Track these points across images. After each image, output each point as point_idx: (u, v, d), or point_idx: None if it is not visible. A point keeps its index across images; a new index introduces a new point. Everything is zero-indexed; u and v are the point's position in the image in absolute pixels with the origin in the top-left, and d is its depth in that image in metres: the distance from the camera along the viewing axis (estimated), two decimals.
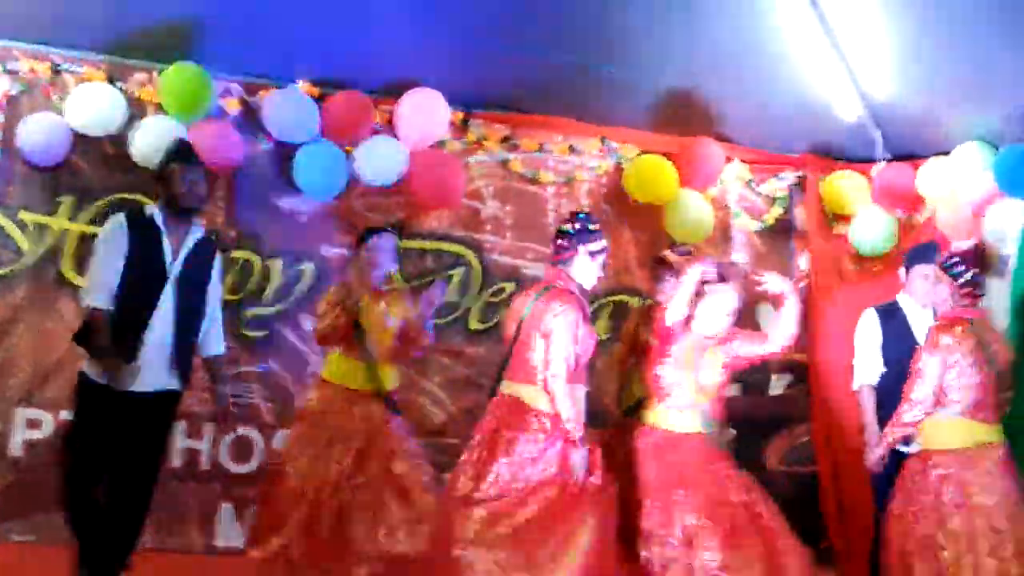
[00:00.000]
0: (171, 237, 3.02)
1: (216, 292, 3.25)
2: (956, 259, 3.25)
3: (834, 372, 4.53)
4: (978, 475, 2.93)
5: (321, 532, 3.22)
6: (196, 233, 3.13)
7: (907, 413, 3.03)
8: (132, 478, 3.02)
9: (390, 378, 3.50)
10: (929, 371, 2.98)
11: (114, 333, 2.92)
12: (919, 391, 3.00)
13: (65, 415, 4.05)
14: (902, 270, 3.70)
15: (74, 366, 4.00)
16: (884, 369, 3.52)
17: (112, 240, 2.99)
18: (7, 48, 4.05)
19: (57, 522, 3.98)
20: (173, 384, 3.07)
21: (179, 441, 4.06)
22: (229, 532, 4.10)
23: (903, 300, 3.63)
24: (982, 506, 2.87)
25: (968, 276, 3.14)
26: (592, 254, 2.95)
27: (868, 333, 3.63)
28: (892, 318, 3.57)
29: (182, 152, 3.14)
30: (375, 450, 3.35)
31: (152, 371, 2.97)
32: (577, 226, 2.96)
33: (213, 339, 3.26)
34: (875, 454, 3.17)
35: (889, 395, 3.30)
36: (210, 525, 4.10)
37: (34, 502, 3.99)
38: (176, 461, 4.06)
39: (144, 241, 2.98)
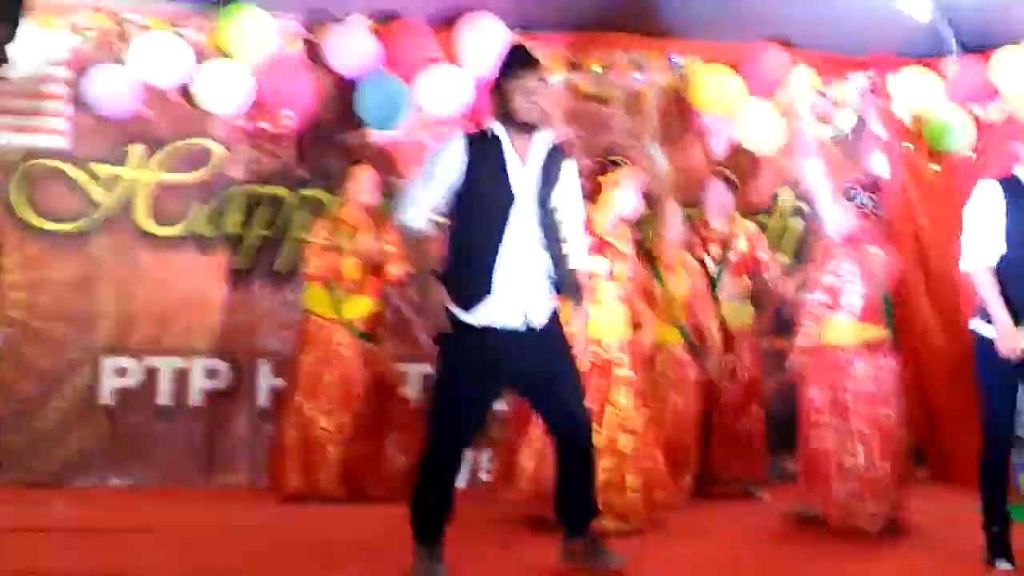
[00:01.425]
0: (517, 152, 2.60)
1: (575, 203, 2.78)
2: None
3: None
4: None
5: None
6: (543, 145, 2.64)
7: None
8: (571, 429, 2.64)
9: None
10: None
11: (466, 262, 2.57)
12: None
13: (156, 362, 4.11)
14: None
15: (158, 312, 4.08)
16: (1004, 249, 2.84)
17: (443, 155, 2.60)
18: (71, 5, 4.08)
19: (150, 465, 4.06)
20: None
21: None
22: None
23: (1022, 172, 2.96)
24: None
25: None
26: None
27: (988, 207, 2.92)
28: (1015, 191, 2.89)
29: (517, 61, 2.70)
30: None
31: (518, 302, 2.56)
32: None
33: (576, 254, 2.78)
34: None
35: (1014, 279, 2.78)
36: None
37: (127, 448, 4.05)
38: None
39: (486, 158, 2.57)
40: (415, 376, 4.25)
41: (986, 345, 2.81)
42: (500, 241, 2.51)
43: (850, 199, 3.47)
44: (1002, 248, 2.80)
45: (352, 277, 3.88)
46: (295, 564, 2.77)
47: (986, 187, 2.92)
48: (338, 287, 3.86)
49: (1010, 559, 2.73)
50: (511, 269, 2.53)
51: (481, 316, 2.50)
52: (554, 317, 2.61)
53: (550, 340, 2.61)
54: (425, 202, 2.59)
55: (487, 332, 2.52)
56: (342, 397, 3.80)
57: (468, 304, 2.50)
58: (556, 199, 2.63)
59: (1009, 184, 2.89)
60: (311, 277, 3.90)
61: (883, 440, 3.28)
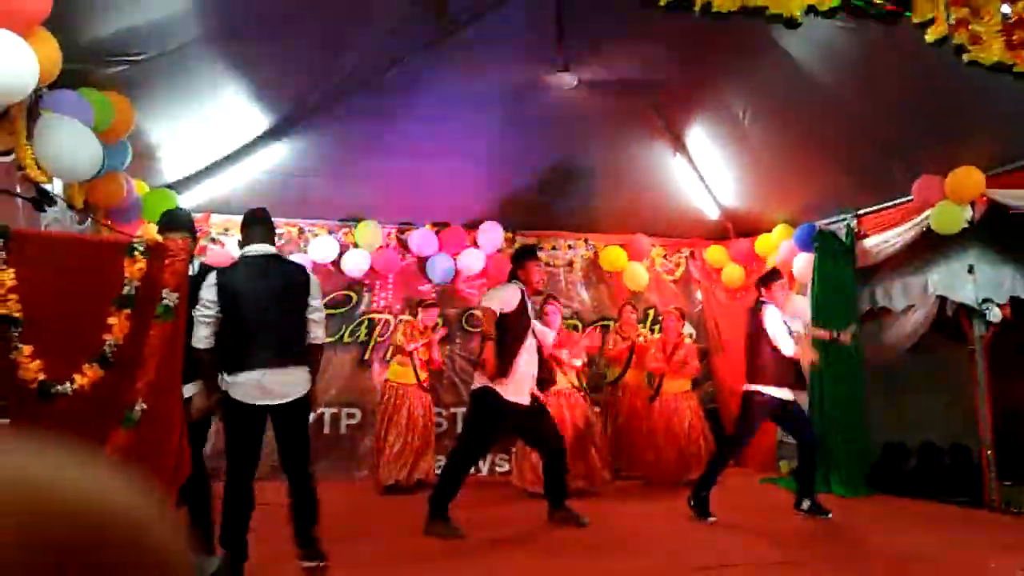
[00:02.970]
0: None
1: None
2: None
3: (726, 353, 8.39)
4: None
5: None
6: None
7: None
8: None
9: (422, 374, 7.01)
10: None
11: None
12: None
13: (322, 410, 7.65)
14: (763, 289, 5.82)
15: (323, 382, 7.60)
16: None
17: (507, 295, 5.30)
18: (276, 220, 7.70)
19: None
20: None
21: None
22: None
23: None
24: None
25: None
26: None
27: (777, 320, 5.47)
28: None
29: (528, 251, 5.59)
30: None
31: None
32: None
33: None
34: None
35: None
36: None
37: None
38: None
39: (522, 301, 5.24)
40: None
41: (750, 400, 5.54)
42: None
43: (682, 317, 7.36)
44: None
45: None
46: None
47: (772, 310, 5.53)
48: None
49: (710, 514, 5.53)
50: (523, 367, 5.15)
51: (508, 393, 5.07)
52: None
53: (535, 407, 5.26)
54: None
55: (511, 403, 5.08)
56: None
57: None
58: None
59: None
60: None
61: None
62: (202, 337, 3.62)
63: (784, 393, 5.47)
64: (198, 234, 5.08)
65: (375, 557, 4.36)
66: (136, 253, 2.93)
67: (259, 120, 6.41)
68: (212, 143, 6.50)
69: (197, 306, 3.60)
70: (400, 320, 7.82)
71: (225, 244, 7.36)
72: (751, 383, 5.56)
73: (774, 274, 5.98)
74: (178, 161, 6.52)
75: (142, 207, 5.92)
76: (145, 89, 5.27)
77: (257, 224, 4.06)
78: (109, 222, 5.30)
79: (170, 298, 2.93)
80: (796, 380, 5.59)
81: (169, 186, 6.59)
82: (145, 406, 2.79)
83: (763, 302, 5.66)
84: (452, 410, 7.79)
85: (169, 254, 2.99)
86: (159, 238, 3.56)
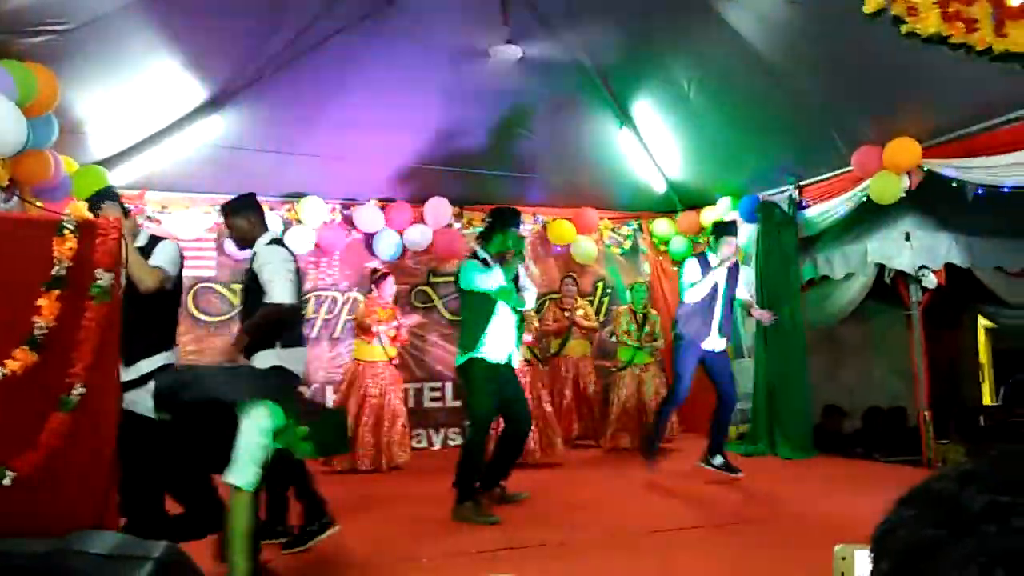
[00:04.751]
0: None
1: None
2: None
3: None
4: None
5: None
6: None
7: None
8: None
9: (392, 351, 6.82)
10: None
11: None
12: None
13: None
14: (712, 239, 5.83)
15: None
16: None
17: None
18: (212, 198, 7.48)
19: None
20: None
21: None
22: None
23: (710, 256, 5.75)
24: None
25: None
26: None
27: (691, 272, 5.65)
28: (703, 264, 5.67)
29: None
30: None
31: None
32: None
33: None
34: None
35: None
36: None
37: None
38: None
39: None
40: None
41: (681, 344, 5.81)
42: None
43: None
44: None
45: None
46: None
47: (690, 262, 5.77)
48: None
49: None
50: (499, 329, 5.00)
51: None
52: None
53: (512, 371, 5.11)
54: None
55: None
56: None
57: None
58: None
59: (700, 259, 5.73)
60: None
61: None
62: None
63: (706, 342, 5.63)
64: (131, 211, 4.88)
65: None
66: (65, 232, 2.78)
67: (195, 92, 6.18)
68: (144, 117, 6.25)
69: (286, 271, 3.62)
70: (349, 297, 7.71)
71: (162, 222, 7.11)
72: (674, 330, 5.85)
73: (722, 228, 5.96)
74: (108, 136, 6.25)
75: (71, 185, 5.67)
76: (71, 61, 5.03)
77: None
78: (38, 201, 5.06)
79: (104, 278, 2.80)
80: (718, 332, 5.69)
81: (99, 163, 6.32)
82: (83, 390, 2.68)
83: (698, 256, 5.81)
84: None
85: (101, 232, 2.85)
86: (90, 216, 3.41)
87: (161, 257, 3.58)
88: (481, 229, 5.43)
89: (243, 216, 3.97)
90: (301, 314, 4.14)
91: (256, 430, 3.09)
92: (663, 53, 6.58)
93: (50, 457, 2.62)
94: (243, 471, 3.06)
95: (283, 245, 3.96)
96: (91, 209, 3.69)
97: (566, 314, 7.61)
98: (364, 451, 6.46)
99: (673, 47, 6.45)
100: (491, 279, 4.82)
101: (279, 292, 3.62)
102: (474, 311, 4.93)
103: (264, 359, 3.74)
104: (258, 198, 4.21)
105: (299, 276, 3.85)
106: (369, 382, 6.63)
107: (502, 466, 5.11)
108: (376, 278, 6.98)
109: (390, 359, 6.77)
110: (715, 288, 5.66)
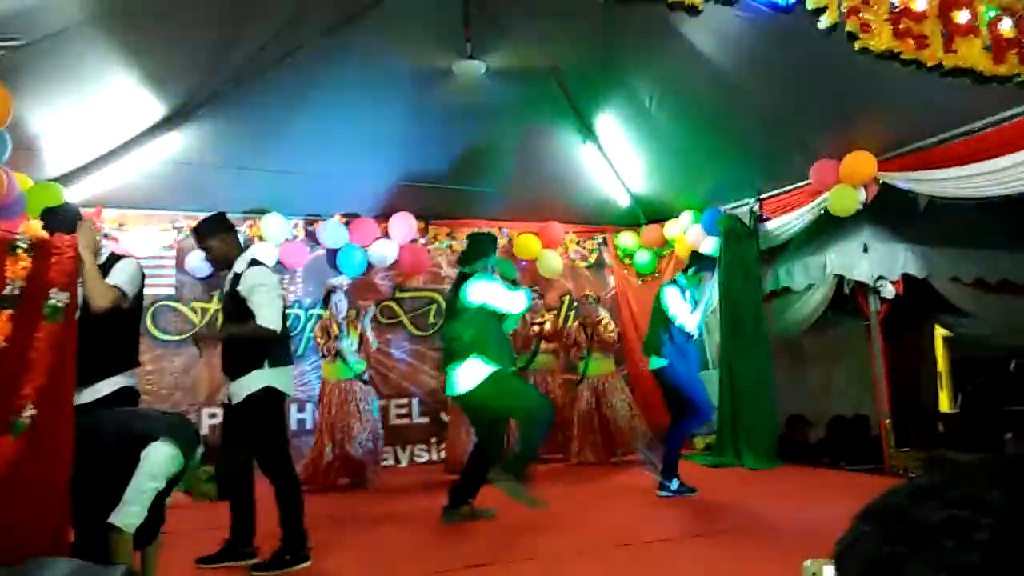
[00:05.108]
0: None
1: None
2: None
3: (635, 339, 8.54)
4: None
5: None
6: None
7: None
8: None
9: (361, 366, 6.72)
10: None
11: None
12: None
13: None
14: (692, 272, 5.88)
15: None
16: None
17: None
18: (173, 215, 7.35)
19: None
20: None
21: None
22: None
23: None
24: None
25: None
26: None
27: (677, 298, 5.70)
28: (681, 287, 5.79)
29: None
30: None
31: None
32: None
33: None
34: None
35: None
36: None
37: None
38: None
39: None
40: None
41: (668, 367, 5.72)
42: None
43: (597, 300, 7.45)
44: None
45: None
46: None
47: (673, 290, 5.73)
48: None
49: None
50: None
51: None
52: None
53: None
54: None
55: None
56: None
57: None
58: None
59: (676, 285, 5.79)
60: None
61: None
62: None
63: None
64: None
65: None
66: (19, 251, 2.72)
67: (153, 108, 6.08)
68: (101, 133, 6.13)
69: (276, 296, 3.86)
70: (312, 314, 7.61)
71: (119, 240, 6.97)
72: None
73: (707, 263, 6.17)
74: (64, 153, 6.12)
75: (25, 202, 5.54)
76: (25, 76, 4.93)
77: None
78: None
79: (58, 298, 2.73)
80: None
81: (55, 179, 6.18)
82: (35, 412, 2.60)
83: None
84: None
85: (55, 251, 2.78)
86: (44, 234, 3.33)
87: (119, 275, 3.51)
88: (463, 252, 5.51)
89: (217, 238, 3.98)
90: (288, 333, 4.16)
91: (150, 472, 2.93)
92: (625, 69, 6.65)
93: (0, 482, 2.54)
94: (127, 512, 2.88)
95: (264, 265, 3.96)
96: (45, 227, 3.61)
97: (534, 328, 7.61)
98: (336, 468, 6.46)
99: (634, 62, 6.52)
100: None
101: (269, 316, 3.72)
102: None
103: (255, 379, 3.74)
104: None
105: (283, 297, 3.92)
106: (335, 401, 6.57)
107: (472, 483, 5.08)
108: (325, 295, 6.91)
109: (358, 376, 6.68)
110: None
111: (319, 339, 6.71)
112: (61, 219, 3.64)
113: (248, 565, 3.94)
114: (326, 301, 6.80)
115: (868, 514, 0.59)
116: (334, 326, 6.65)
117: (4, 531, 2.57)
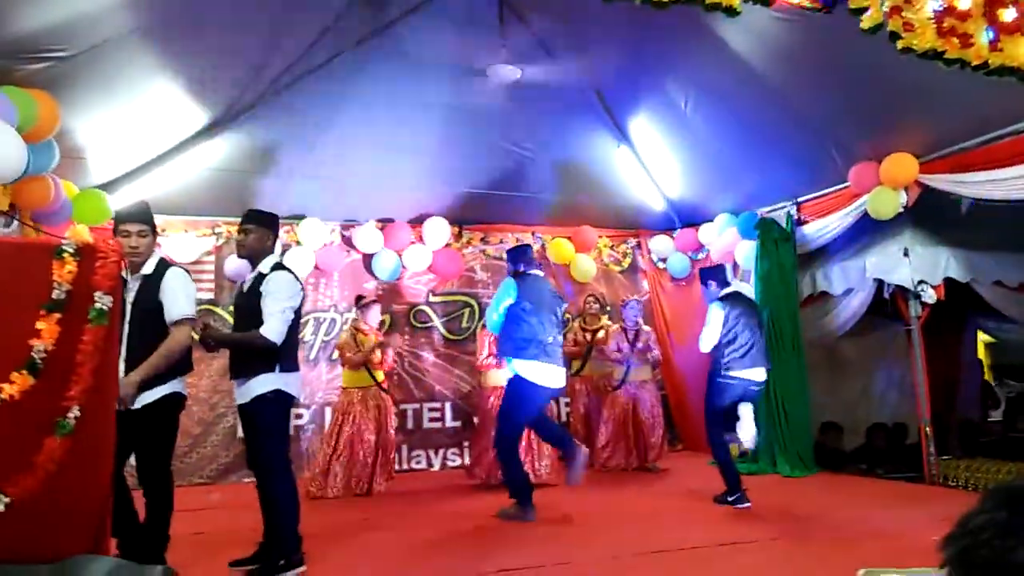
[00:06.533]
0: None
1: None
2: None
3: (672, 344, 8.50)
4: None
5: None
6: None
7: None
8: None
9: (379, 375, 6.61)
10: None
11: None
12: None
13: None
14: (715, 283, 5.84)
15: None
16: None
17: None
18: (214, 220, 7.48)
19: None
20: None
21: None
22: None
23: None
24: None
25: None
26: None
27: (717, 319, 5.49)
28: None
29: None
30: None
31: None
32: None
33: None
34: None
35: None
36: None
37: None
38: None
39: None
40: None
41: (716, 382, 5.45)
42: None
43: (602, 308, 7.40)
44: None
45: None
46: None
47: (716, 308, 5.50)
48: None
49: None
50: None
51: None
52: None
53: None
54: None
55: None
56: None
57: None
58: None
59: (727, 297, 5.55)
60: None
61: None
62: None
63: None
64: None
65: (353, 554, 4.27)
66: (65, 255, 2.79)
67: (196, 116, 6.21)
68: (145, 141, 6.27)
69: (288, 307, 3.81)
70: (347, 318, 7.68)
71: (161, 245, 7.10)
72: None
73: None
74: (109, 161, 6.27)
75: (71, 209, 5.68)
76: (72, 87, 5.06)
77: None
78: (40, 226, 5.06)
79: (103, 301, 2.80)
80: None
81: (100, 187, 6.33)
82: (80, 413, 2.66)
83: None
84: (402, 407, 7.69)
85: (100, 255, 2.85)
86: (89, 239, 3.42)
87: (181, 302, 3.64)
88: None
89: (261, 230, 4.02)
90: (298, 340, 4.18)
91: None
92: (660, 72, 6.61)
93: (46, 481, 2.60)
94: None
95: (289, 271, 3.99)
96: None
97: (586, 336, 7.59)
98: (353, 477, 6.42)
99: (670, 66, 6.48)
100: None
101: (274, 327, 3.73)
102: None
103: (265, 382, 3.78)
104: None
105: (300, 306, 3.95)
106: (356, 409, 6.54)
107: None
108: (362, 305, 6.93)
109: (378, 383, 6.64)
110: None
111: (345, 351, 6.64)
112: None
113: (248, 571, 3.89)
114: (363, 311, 6.82)
115: (996, 496, 0.61)
116: (361, 337, 6.65)
117: (48, 529, 2.64)
